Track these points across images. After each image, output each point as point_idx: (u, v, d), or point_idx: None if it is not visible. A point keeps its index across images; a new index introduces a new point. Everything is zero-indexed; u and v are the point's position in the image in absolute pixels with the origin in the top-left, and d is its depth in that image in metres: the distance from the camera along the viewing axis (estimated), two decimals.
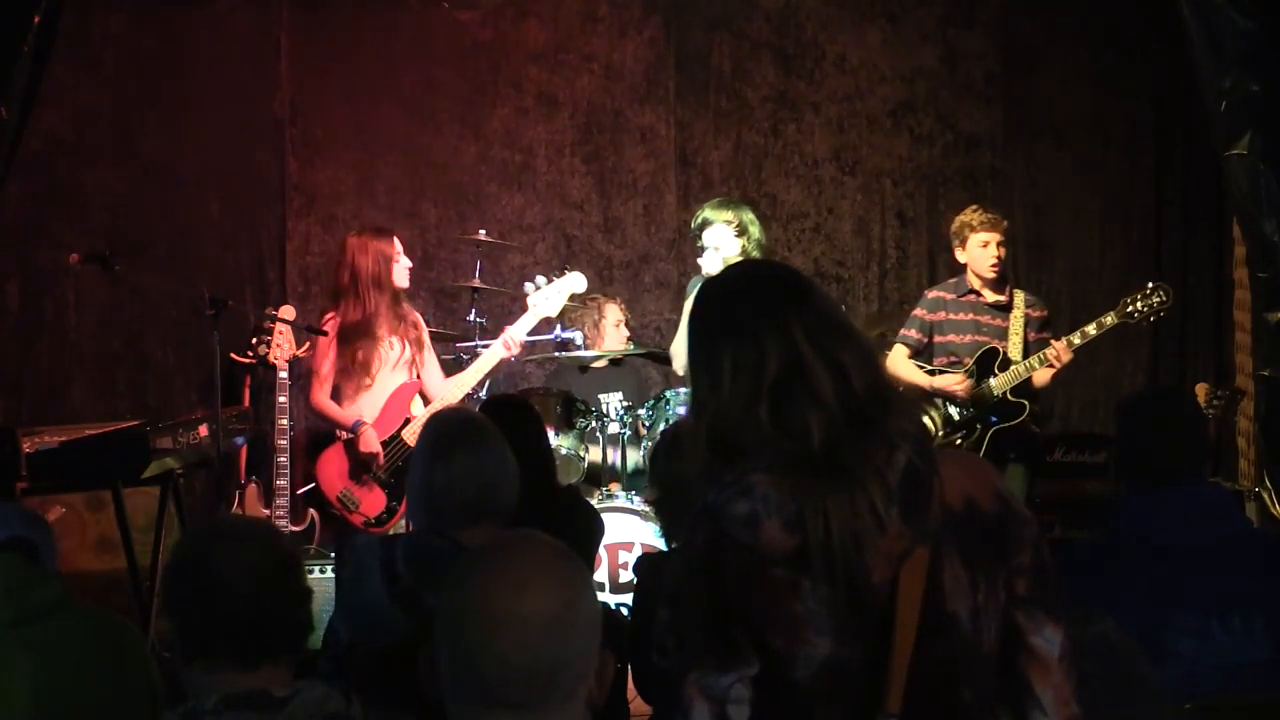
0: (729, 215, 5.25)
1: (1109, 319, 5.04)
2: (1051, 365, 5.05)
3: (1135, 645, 2.13)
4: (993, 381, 5.15)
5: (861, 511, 1.58)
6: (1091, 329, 5.04)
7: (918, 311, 5.42)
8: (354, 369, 5.01)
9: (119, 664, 2.45)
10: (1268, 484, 4.88)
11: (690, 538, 1.66)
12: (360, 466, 5.01)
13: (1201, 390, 5.38)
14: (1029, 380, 5.16)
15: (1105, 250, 6.81)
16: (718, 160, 6.80)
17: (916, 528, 1.61)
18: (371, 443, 4.98)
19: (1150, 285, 5.07)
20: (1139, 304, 5.03)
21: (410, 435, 4.94)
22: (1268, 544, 2.78)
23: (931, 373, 5.29)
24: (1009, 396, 5.14)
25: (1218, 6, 4.58)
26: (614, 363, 5.96)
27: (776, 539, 1.58)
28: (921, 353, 5.43)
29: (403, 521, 4.92)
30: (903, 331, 5.46)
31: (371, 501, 5.01)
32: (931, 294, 5.42)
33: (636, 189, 6.80)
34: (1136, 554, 2.66)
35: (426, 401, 5.14)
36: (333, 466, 5.04)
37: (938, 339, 5.33)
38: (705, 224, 5.26)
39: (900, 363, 5.38)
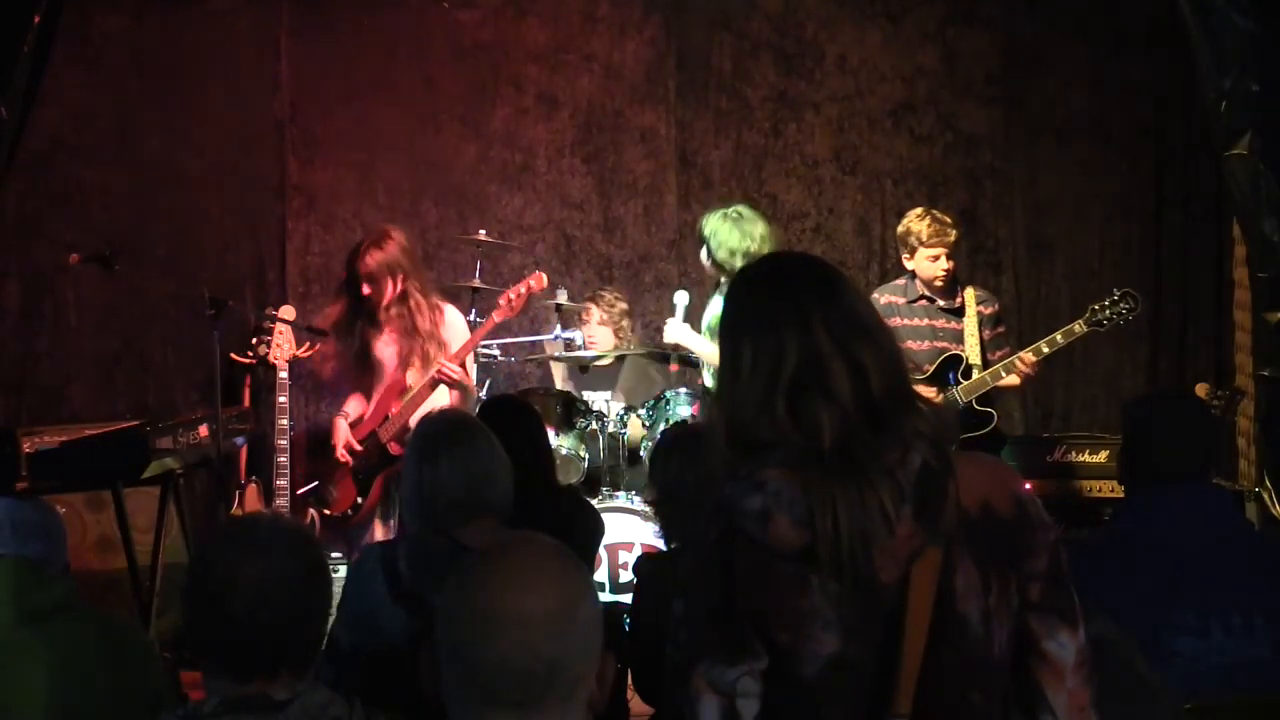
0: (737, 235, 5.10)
1: (1078, 327, 4.91)
2: (1017, 373, 4.94)
3: (1133, 644, 2.13)
4: (958, 390, 4.98)
5: (871, 510, 1.59)
6: (1060, 337, 4.92)
7: None
8: (348, 366, 5.07)
9: (123, 666, 2.45)
10: (1268, 484, 4.88)
11: (704, 530, 1.66)
12: (326, 459, 5.08)
13: (1201, 390, 5.35)
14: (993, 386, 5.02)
15: (1105, 250, 6.80)
16: (718, 160, 6.80)
17: (928, 528, 1.61)
18: (340, 434, 5.03)
19: (1118, 292, 4.91)
20: (1107, 310, 4.89)
21: (384, 432, 4.98)
22: (1268, 544, 2.79)
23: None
24: (975, 405, 4.99)
25: (1218, 6, 4.58)
26: (611, 362, 5.94)
27: (786, 534, 1.59)
28: None
29: (370, 517, 4.98)
30: None
31: (342, 495, 5.04)
32: (883, 299, 5.16)
33: (636, 189, 6.79)
34: (1137, 553, 2.67)
35: None
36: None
37: None
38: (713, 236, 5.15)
39: None
